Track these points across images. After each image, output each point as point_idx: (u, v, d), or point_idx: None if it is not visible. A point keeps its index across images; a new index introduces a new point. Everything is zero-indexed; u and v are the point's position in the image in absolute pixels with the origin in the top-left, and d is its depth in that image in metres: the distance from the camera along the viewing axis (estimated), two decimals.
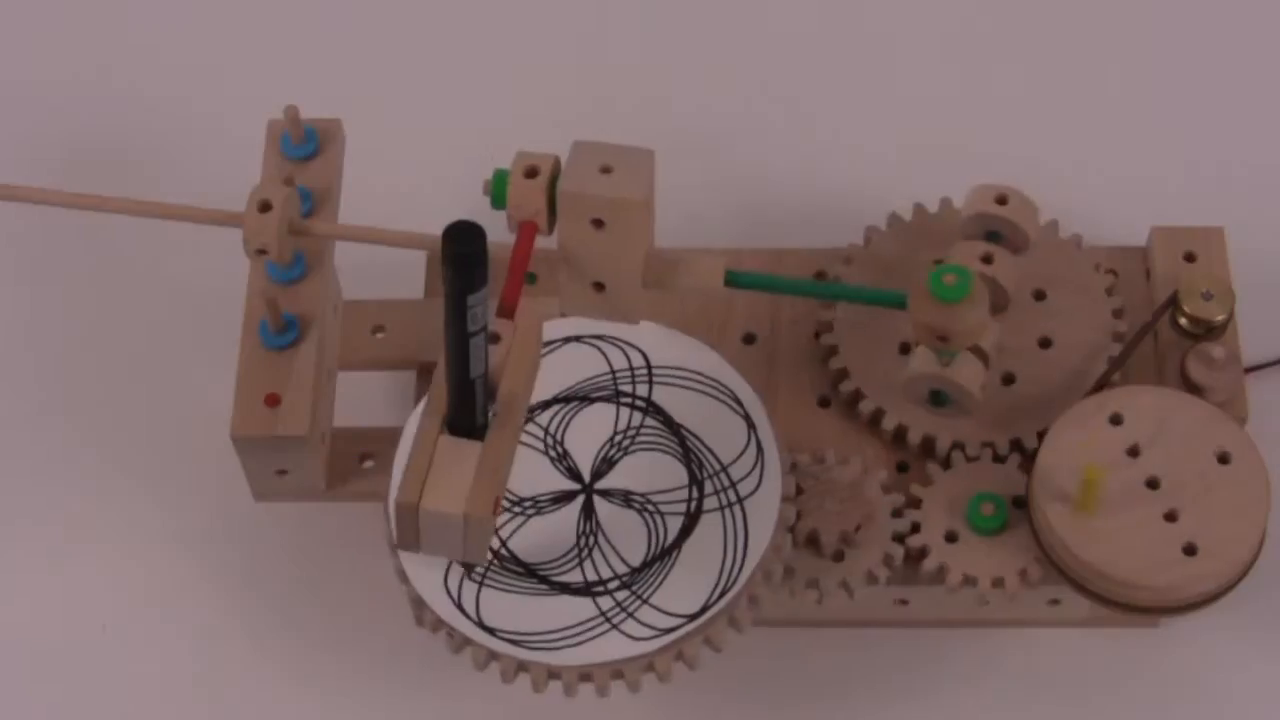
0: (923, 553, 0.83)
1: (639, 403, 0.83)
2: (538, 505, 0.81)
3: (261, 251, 0.82)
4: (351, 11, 1.06)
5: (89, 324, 0.97)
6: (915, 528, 0.83)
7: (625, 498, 0.81)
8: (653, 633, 0.78)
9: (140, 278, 0.97)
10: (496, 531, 0.80)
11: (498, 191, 0.81)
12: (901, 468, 0.86)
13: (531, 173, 0.80)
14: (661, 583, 0.79)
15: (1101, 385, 0.85)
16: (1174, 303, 0.87)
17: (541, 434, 0.82)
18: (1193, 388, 0.85)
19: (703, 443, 0.82)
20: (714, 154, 1.00)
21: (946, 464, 0.85)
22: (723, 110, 1.02)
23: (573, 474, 0.82)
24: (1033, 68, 1.03)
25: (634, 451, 0.82)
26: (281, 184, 0.84)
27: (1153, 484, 0.81)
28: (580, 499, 0.81)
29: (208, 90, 1.03)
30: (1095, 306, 0.88)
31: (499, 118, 1.02)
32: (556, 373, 0.84)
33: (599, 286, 0.81)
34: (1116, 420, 0.82)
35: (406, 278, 0.93)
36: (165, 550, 0.91)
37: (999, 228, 0.85)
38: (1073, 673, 0.88)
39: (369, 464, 0.87)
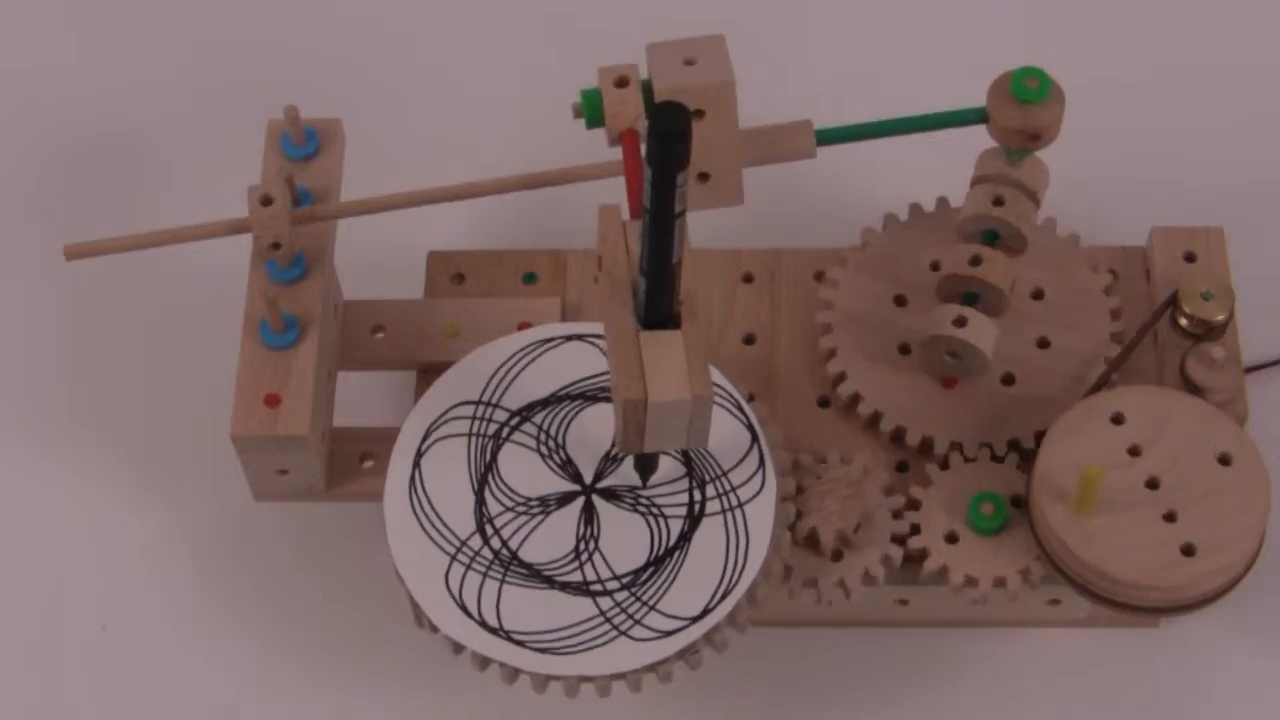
0: (923, 553, 0.83)
1: None
2: (544, 506, 0.81)
3: (276, 245, 0.82)
4: (351, 11, 1.06)
5: (89, 323, 0.97)
6: (915, 528, 0.83)
7: (627, 497, 0.81)
8: (655, 635, 0.78)
9: (140, 277, 0.97)
10: (499, 532, 0.80)
11: (591, 109, 0.79)
12: (901, 468, 0.86)
13: (622, 82, 0.79)
14: (664, 585, 0.79)
15: (1101, 385, 0.85)
16: (1174, 303, 0.87)
17: (536, 434, 0.82)
18: (1193, 388, 0.85)
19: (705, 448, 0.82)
20: None
21: (945, 464, 0.85)
22: None
23: (573, 475, 0.82)
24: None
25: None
26: (279, 180, 0.84)
27: (1152, 484, 0.81)
28: (580, 500, 0.81)
29: (208, 90, 1.03)
30: (1094, 306, 0.88)
31: (498, 117, 1.02)
32: (558, 371, 0.83)
33: (704, 177, 0.81)
34: (1117, 420, 0.82)
35: (406, 278, 0.93)
36: (165, 550, 0.91)
37: (997, 228, 0.85)
38: (1073, 673, 0.88)
39: (369, 464, 0.87)
